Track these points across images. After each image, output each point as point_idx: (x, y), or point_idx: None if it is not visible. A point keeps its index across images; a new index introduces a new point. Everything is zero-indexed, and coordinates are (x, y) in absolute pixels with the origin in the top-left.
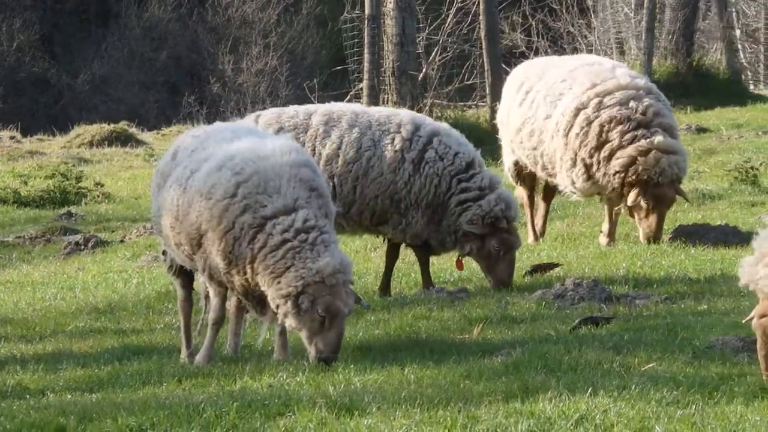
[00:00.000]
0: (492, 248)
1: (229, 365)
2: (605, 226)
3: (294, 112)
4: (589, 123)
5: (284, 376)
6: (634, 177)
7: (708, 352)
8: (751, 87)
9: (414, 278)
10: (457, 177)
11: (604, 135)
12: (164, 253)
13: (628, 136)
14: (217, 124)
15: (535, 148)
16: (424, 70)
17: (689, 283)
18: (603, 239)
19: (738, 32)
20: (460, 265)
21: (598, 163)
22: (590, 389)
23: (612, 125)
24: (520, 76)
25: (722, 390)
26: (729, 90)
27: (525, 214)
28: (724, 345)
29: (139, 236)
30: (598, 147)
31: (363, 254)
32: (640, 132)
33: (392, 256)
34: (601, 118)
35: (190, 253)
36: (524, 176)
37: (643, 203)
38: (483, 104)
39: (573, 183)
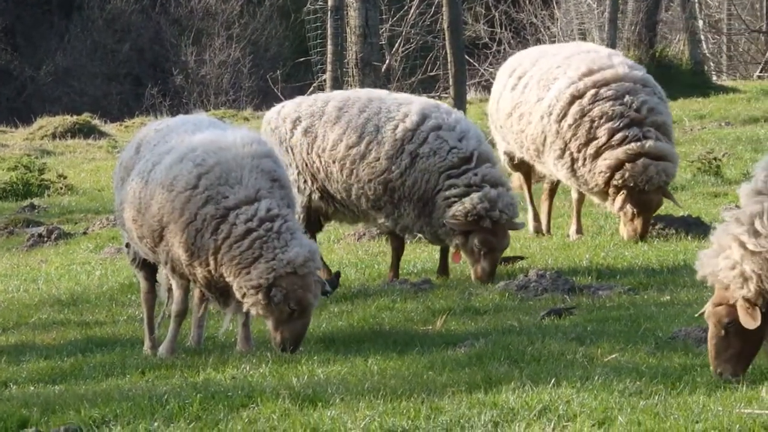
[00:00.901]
0: (474, 246)
1: (192, 357)
2: (573, 227)
3: (313, 100)
4: (583, 115)
5: (247, 368)
6: (620, 181)
7: (671, 343)
8: (714, 78)
9: (377, 270)
10: (446, 173)
11: (592, 131)
12: (127, 245)
13: (618, 135)
14: (180, 117)
15: (522, 131)
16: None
17: (652, 274)
18: (573, 234)
19: (701, 23)
20: (456, 257)
21: (584, 159)
22: (553, 380)
23: (602, 121)
24: (513, 64)
25: (685, 380)
26: (692, 81)
27: (524, 199)
28: (687, 335)
29: (102, 228)
30: (586, 143)
31: (326, 246)
32: (631, 133)
33: (395, 243)
34: (593, 113)
35: (152, 245)
36: (519, 164)
37: (628, 208)
38: (446, 95)
39: (557, 171)
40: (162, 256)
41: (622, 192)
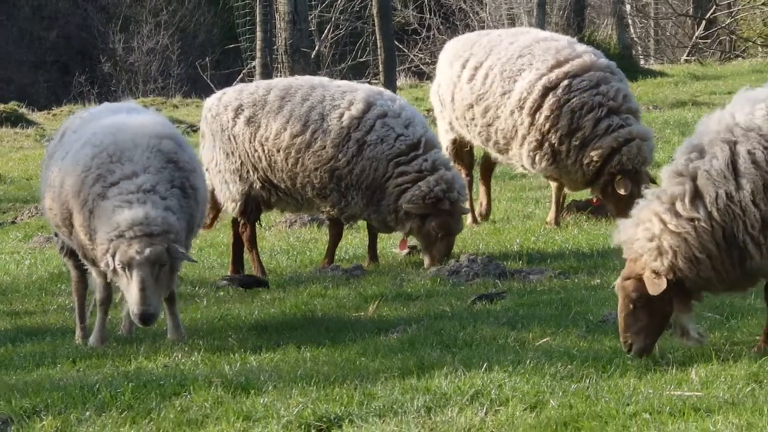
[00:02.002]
0: (431, 229)
1: (123, 346)
2: (552, 215)
3: (255, 87)
4: (560, 107)
5: (179, 356)
6: (617, 167)
7: (601, 326)
8: (642, 62)
9: (309, 257)
10: (395, 161)
11: (575, 122)
12: (56, 234)
13: (602, 124)
14: (104, 105)
15: (490, 125)
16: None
17: (582, 257)
18: (552, 222)
19: (628, 7)
20: (403, 245)
21: (569, 150)
22: (485, 365)
23: (584, 111)
24: (461, 52)
25: (615, 363)
26: (620, 65)
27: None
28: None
29: (30, 217)
30: (569, 134)
31: (258, 233)
32: (614, 121)
33: (334, 230)
34: (572, 104)
35: (68, 234)
36: (463, 154)
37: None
38: (376, 81)
39: (532, 163)
40: (75, 244)
41: (618, 176)
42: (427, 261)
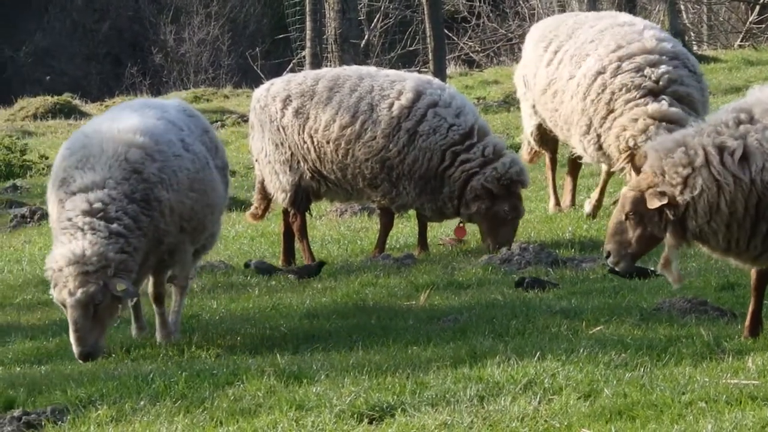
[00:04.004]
0: (502, 211)
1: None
2: (595, 194)
3: (302, 78)
4: (604, 89)
5: (232, 346)
6: (624, 145)
7: (655, 314)
8: (695, 47)
9: (360, 246)
10: (451, 150)
11: (611, 104)
12: None
13: (630, 104)
14: (124, 103)
15: (556, 110)
16: (366, 36)
17: None
18: (587, 206)
19: None
20: (461, 232)
21: (605, 133)
22: (538, 353)
23: (621, 93)
24: (547, 34)
25: (670, 352)
26: None
27: (547, 177)
28: (671, 307)
29: None
30: (605, 116)
31: (308, 222)
32: (644, 101)
33: (384, 219)
34: (614, 85)
35: None
36: (548, 139)
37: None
38: (426, 69)
39: (584, 149)
40: None
41: (627, 156)
42: (491, 244)
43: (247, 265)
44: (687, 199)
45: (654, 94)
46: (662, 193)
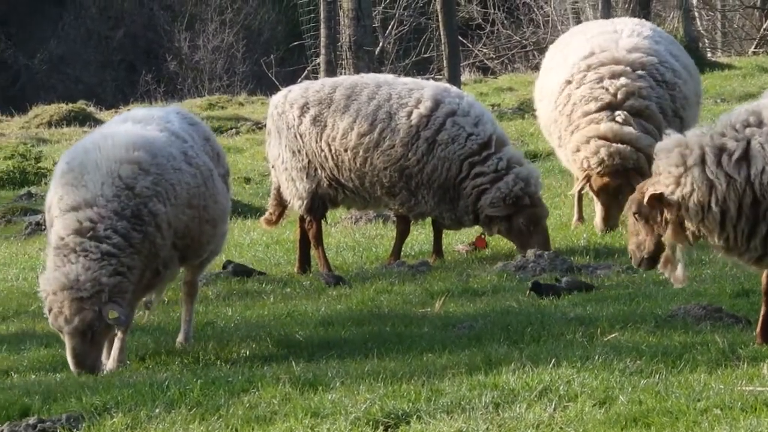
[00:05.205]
0: (521, 225)
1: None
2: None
3: (320, 85)
4: (568, 100)
5: (247, 353)
6: (579, 165)
7: (670, 321)
8: (709, 54)
9: (375, 253)
10: (468, 160)
11: (572, 115)
12: None
13: (586, 119)
14: (127, 113)
15: (541, 119)
16: (380, 44)
17: None
18: (599, 222)
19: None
20: (481, 242)
21: (566, 146)
22: (553, 360)
23: (581, 104)
24: (559, 42)
25: (685, 358)
26: None
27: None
28: (686, 313)
29: None
30: (566, 127)
31: (323, 230)
32: (599, 116)
33: (401, 227)
34: (575, 96)
35: None
36: None
37: (593, 194)
38: (440, 77)
39: (567, 162)
40: None
41: (584, 177)
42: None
43: (225, 266)
44: (678, 198)
45: (612, 108)
46: (655, 192)
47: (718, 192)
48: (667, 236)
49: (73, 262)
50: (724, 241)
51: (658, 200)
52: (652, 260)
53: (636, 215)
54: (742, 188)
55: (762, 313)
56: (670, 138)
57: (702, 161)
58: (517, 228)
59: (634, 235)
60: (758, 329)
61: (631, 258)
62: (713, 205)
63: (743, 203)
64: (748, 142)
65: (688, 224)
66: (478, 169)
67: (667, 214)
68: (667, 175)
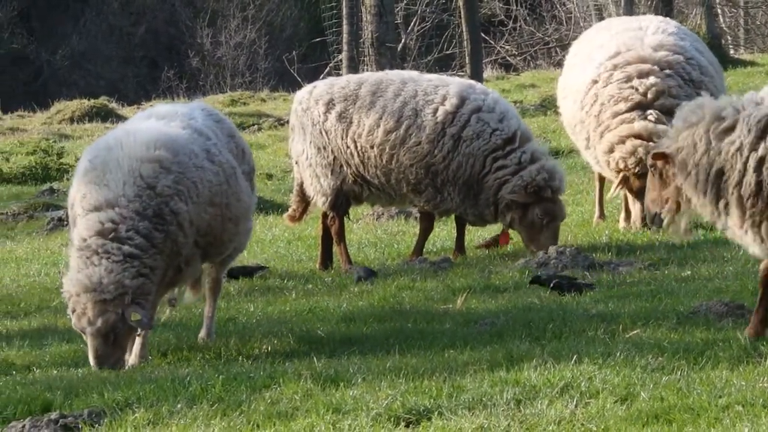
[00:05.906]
0: (536, 217)
1: (214, 340)
2: (623, 210)
3: (345, 81)
4: (596, 100)
5: (269, 349)
6: (614, 166)
7: (692, 318)
8: (732, 51)
9: (396, 249)
10: (492, 155)
11: (601, 115)
12: None
13: (616, 120)
14: (151, 109)
15: (564, 117)
16: (403, 40)
17: (672, 249)
18: (622, 222)
19: None
20: (505, 237)
21: (596, 147)
22: (575, 357)
23: (609, 104)
24: (582, 39)
25: (707, 355)
26: None
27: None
28: (708, 310)
29: None
30: (595, 128)
31: (345, 226)
32: (630, 116)
33: (425, 224)
34: (603, 96)
35: None
36: None
37: (631, 195)
38: (462, 73)
39: (594, 162)
40: None
41: (621, 179)
42: (534, 250)
43: None
44: (672, 152)
45: (642, 107)
46: (667, 156)
47: (698, 154)
48: (669, 191)
49: (95, 264)
50: (703, 208)
51: (663, 156)
52: (670, 217)
53: (652, 169)
54: (714, 157)
55: (756, 305)
56: (696, 99)
57: (698, 123)
58: (531, 219)
59: (651, 191)
60: (751, 321)
61: (645, 214)
62: (690, 168)
63: (710, 171)
64: (738, 116)
65: (678, 181)
66: (500, 162)
67: (669, 169)
68: (673, 130)
